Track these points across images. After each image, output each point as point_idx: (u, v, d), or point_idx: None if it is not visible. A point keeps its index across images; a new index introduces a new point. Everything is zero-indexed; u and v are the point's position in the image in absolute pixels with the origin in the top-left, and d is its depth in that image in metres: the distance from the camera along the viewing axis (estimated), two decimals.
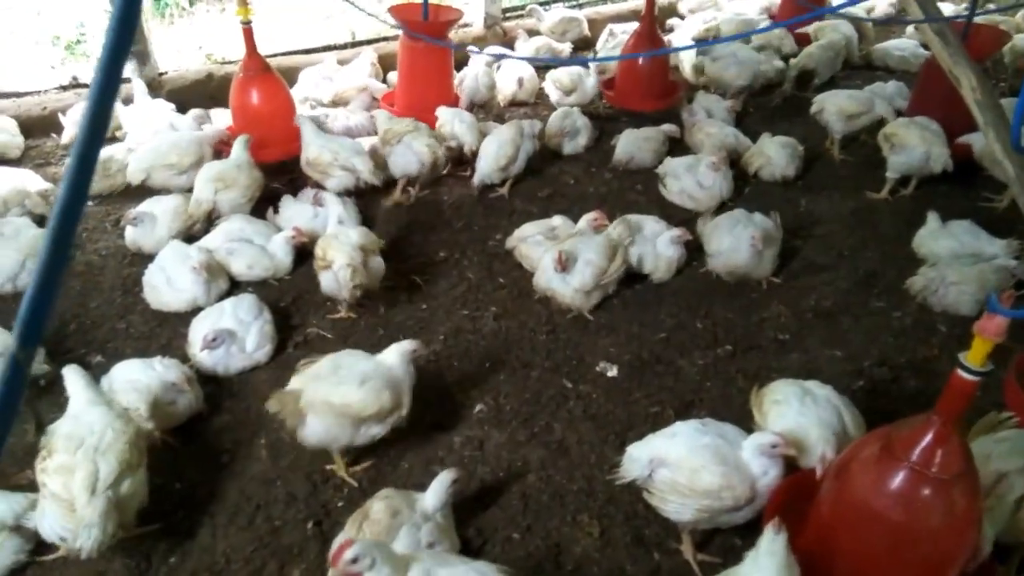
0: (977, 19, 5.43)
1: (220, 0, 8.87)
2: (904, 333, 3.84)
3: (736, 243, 4.06)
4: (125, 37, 0.82)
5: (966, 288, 3.83)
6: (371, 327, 3.83)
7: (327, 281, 3.77)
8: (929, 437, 2.10)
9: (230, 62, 6.57)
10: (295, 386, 2.92)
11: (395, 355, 2.99)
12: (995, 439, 2.69)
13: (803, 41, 7.10)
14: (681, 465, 2.59)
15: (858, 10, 8.11)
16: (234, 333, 3.43)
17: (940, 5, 6.00)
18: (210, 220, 4.40)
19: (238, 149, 4.58)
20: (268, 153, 4.88)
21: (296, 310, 3.95)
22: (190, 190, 4.50)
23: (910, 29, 7.64)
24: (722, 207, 4.71)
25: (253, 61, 5.10)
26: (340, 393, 2.83)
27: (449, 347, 3.72)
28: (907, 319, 3.93)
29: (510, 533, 2.81)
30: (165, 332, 3.78)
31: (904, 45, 7.32)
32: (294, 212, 4.47)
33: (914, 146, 4.82)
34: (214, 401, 3.35)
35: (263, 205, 4.57)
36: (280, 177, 4.93)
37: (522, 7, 8.55)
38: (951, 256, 4.06)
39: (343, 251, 3.67)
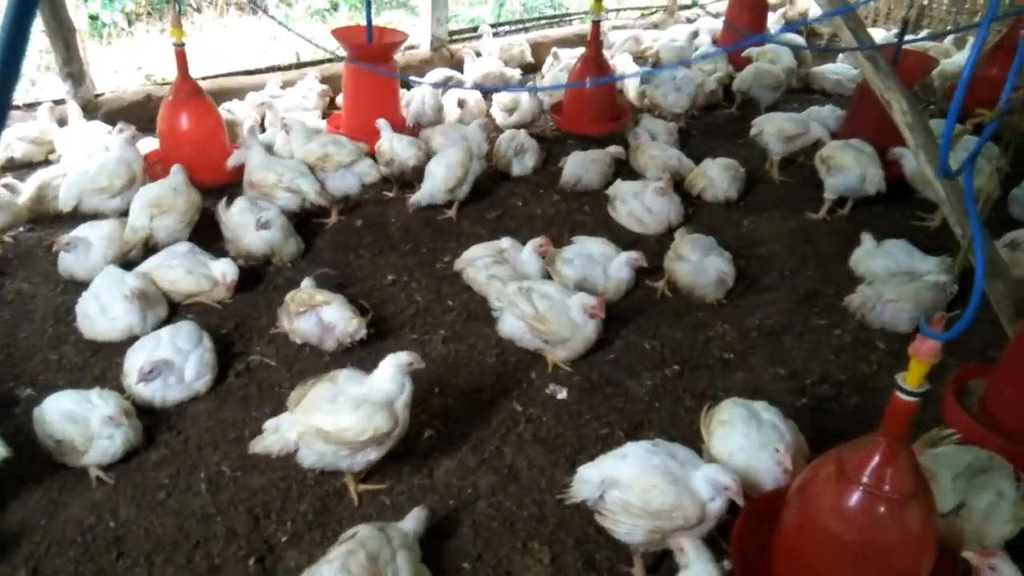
0: (906, 46, 5.65)
1: (160, 19, 8.69)
2: (844, 350, 3.93)
3: (705, 266, 4.14)
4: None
5: (902, 305, 3.94)
6: (317, 353, 3.75)
7: (309, 324, 3.68)
8: (878, 458, 2.15)
9: (169, 83, 6.42)
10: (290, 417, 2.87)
11: (390, 369, 2.89)
12: (931, 453, 2.77)
13: (742, 64, 7.29)
14: (632, 486, 2.59)
15: (795, 35, 8.38)
16: (172, 363, 3.31)
17: (871, 31, 6.25)
18: (147, 247, 4.26)
19: (175, 172, 4.46)
20: (197, 178, 4.78)
21: (239, 337, 3.85)
22: (126, 213, 4.37)
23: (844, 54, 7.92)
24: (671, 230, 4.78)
25: (185, 84, 5.00)
26: (333, 422, 2.76)
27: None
28: (847, 336, 4.03)
29: (460, 563, 2.76)
30: (99, 363, 3.64)
31: (839, 69, 7.58)
32: (240, 208, 4.32)
33: (850, 168, 4.97)
34: (150, 434, 3.22)
35: (201, 230, 4.45)
36: (216, 200, 4.81)
37: (470, 29, 8.60)
38: (887, 274, 4.18)
39: (339, 298, 3.67)
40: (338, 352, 3.74)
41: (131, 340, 3.57)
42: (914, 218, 5.17)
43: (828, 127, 5.70)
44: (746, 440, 2.82)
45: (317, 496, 2.99)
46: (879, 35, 8.03)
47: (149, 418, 3.28)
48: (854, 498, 2.18)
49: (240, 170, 4.76)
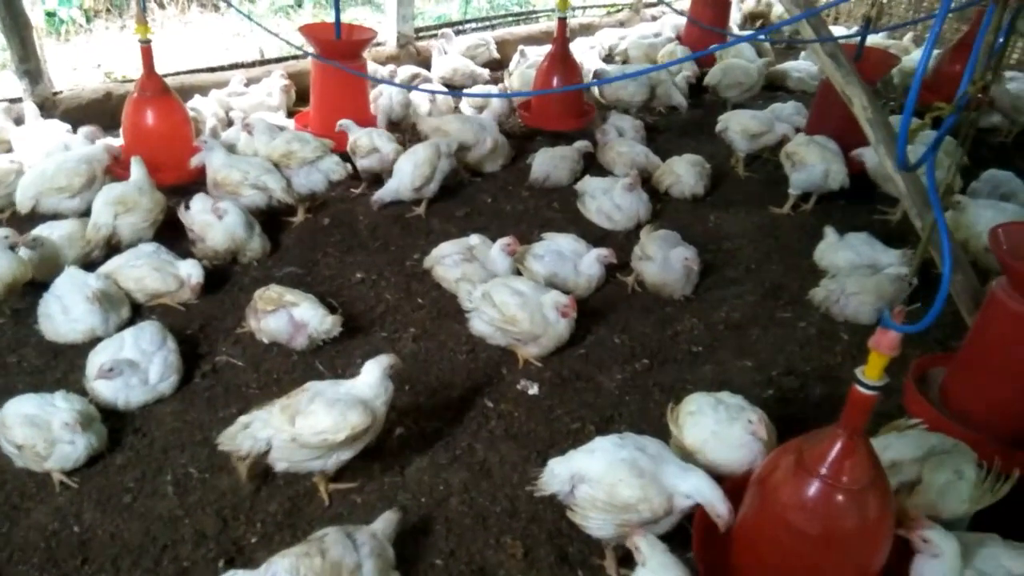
0: (868, 42, 5.76)
1: (120, 16, 8.52)
2: (809, 342, 4.00)
3: (670, 262, 4.18)
4: None
5: (865, 298, 4.02)
6: (284, 352, 3.70)
7: (279, 323, 3.63)
8: (837, 450, 2.19)
9: (130, 80, 6.30)
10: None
11: (374, 371, 2.89)
12: (898, 434, 2.82)
13: (708, 63, 7.36)
14: (600, 480, 2.61)
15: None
16: (136, 364, 3.25)
17: (833, 29, 6.36)
18: (109, 246, 4.18)
19: (137, 170, 4.38)
20: (163, 176, 4.70)
21: (204, 337, 3.79)
22: (85, 214, 4.28)
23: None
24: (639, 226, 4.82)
25: (151, 81, 4.92)
26: (309, 425, 2.73)
27: None
28: (811, 329, 4.10)
29: (433, 560, 2.75)
30: (61, 365, 3.56)
31: (802, 66, 7.70)
32: (200, 207, 4.28)
33: (814, 164, 5.05)
34: (115, 437, 3.16)
35: (166, 231, 4.37)
36: (183, 198, 4.73)
37: (436, 26, 8.57)
38: (850, 267, 4.27)
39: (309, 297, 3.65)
40: (307, 351, 3.70)
41: (94, 342, 3.49)
42: (876, 212, 5.27)
43: (793, 124, 5.79)
44: (716, 423, 2.87)
45: (287, 496, 2.96)
46: (841, 33, 8.16)
47: (113, 421, 3.21)
48: (813, 490, 2.22)
49: (204, 169, 4.69)
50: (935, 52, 7.50)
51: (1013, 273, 3.01)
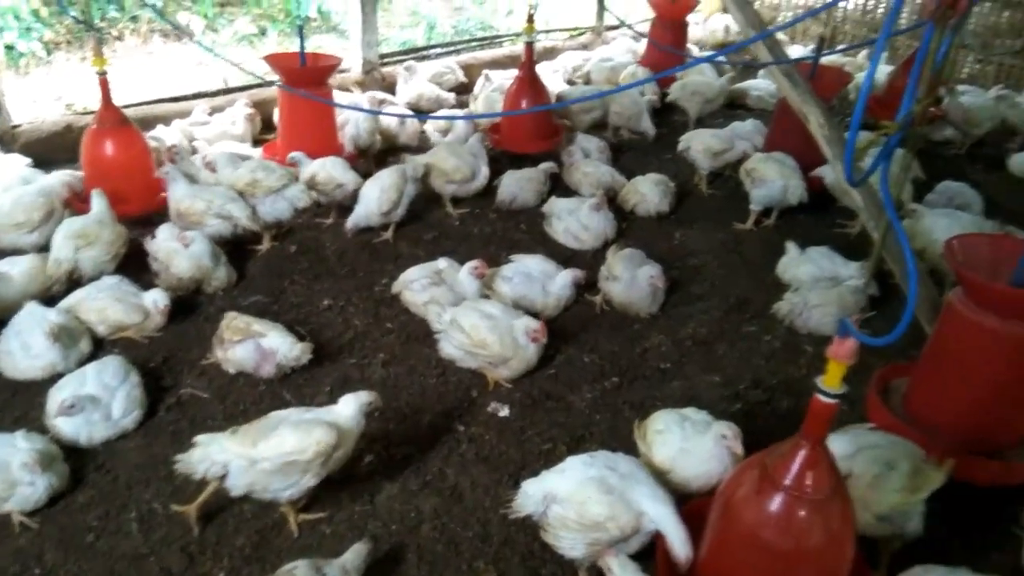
0: (823, 61, 5.90)
1: (80, 48, 8.46)
2: (775, 355, 4.05)
3: (637, 281, 4.22)
4: None
5: (827, 310, 4.09)
6: (250, 383, 3.66)
7: (246, 352, 3.59)
8: (800, 461, 2.20)
9: (91, 112, 6.24)
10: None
11: (351, 406, 2.89)
12: (835, 433, 2.86)
13: (668, 83, 7.49)
14: (571, 499, 2.61)
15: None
16: (98, 399, 3.20)
17: (788, 49, 6.52)
18: (71, 280, 4.11)
19: (98, 202, 4.33)
20: (125, 208, 4.65)
21: (168, 370, 3.74)
22: (45, 248, 4.22)
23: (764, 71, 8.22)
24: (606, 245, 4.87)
25: (109, 112, 4.89)
26: (275, 445, 2.71)
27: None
28: (776, 342, 4.15)
29: None
30: (20, 403, 3.48)
31: (761, 85, 7.87)
32: (166, 236, 4.25)
33: (773, 180, 5.15)
34: (78, 474, 3.09)
35: (128, 264, 4.32)
36: (145, 230, 4.69)
37: (401, 52, 8.62)
38: (812, 280, 4.34)
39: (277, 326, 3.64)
40: (274, 381, 3.66)
41: (54, 378, 3.43)
42: (835, 226, 5.38)
43: (752, 141, 5.90)
44: (684, 440, 2.88)
45: (254, 529, 2.92)
46: (796, 52, 8.37)
47: (76, 458, 3.15)
48: (777, 502, 2.22)
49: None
50: (890, 68, 7.73)
51: (968, 284, 3.09)
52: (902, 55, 8.22)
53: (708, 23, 10.06)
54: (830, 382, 2.10)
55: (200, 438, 2.81)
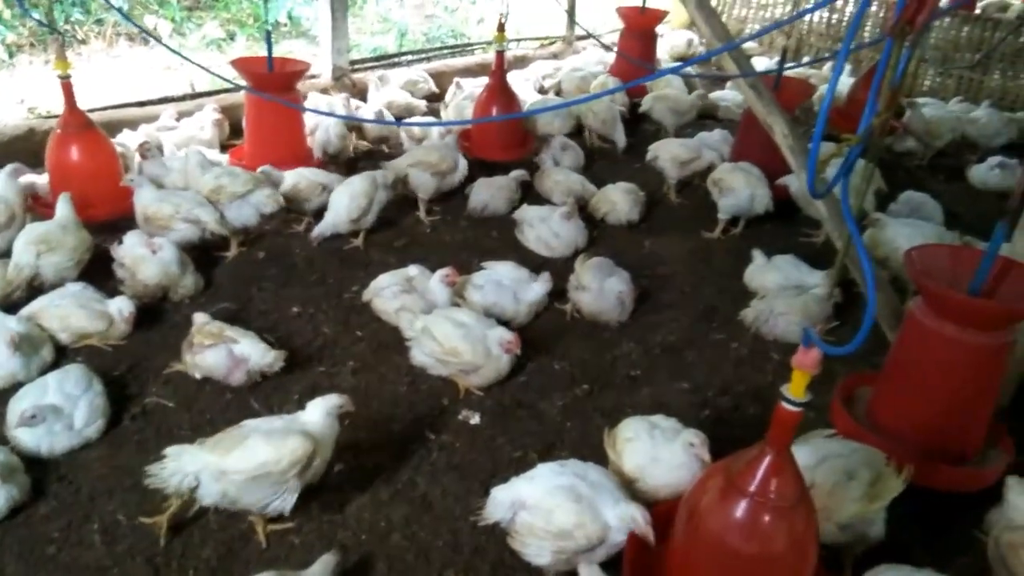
0: (787, 73, 6.02)
1: (44, 51, 8.30)
2: (742, 363, 4.11)
3: (605, 292, 4.25)
4: None
5: (793, 318, 4.16)
6: (217, 391, 3.62)
7: (217, 358, 3.54)
8: (764, 468, 2.23)
9: (55, 116, 6.13)
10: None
11: (318, 411, 2.86)
12: (799, 443, 2.89)
13: (638, 93, 7.58)
14: (538, 506, 2.62)
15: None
16: (60, 409, 3.13)
17: (753, 60, 6.64)
18: (32, 287, 4.03)
19: (63, 207, 4.25)
20: (92, 213, 4.57)
21: (132, 379, 3.67)
22: (5, 254, 4.12)
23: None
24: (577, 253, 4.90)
25: (73, 117, 4.80)
26: (248, 458, 2.68)
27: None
28: (744, 349, 4.21)
29: None
30: None
31: (728, 96, 7.99)
32: (134, 242, 4.19)
33: (740, 189, 5.24)
34: (38, 486, 3.02)
35: (92, 271, 4.24)
36: (111, 236, 4.62)
37: (372, 59, 8.60)
38: (778, 288, 4.41)
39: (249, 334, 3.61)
40: (242, 389, 3.62)
41: (14, 388, 3.35)
42: (800, 234, 5.48)
43: (719, 151, 5.99)
44: (654, 447, 2.91)
45: (221, 541, 2.88)
46: (762, 63, 8.52)
47: (37, 469, 3.08)
48: (742, 508, 2.25)
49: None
50: (852, 80, 7.90)
51: (928, 293, 3.17)
52: (866, 67, 8.40)
53: (671, 37, 10.16)
54: (795, 391, 2.14)
55: (170, 450, 2.76)
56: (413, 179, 5.36)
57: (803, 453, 2.79)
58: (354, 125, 6.42)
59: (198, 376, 3.62)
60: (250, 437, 2.74)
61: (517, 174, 5.70)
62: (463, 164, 5.57)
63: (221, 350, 3.55)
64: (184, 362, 3.66)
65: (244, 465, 2.67)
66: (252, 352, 3.56)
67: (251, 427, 2.82)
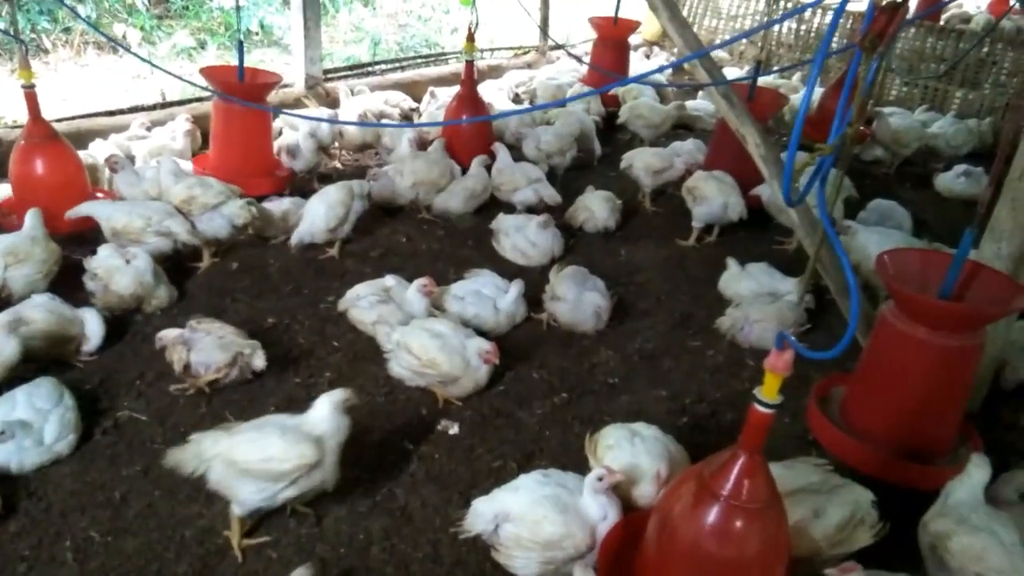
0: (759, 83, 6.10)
1: (10, 59, 8.16)
2: (718, 370, 4.15)
3: (582, 303, 4.28)
4: None
5: (767, 325, 4.21)
6: (192, 404, 3.57)
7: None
8: (737, 470, 2.24)
9: (19, 126, 6.02)
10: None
11: (325, 407, 2.84)
12: (784, 466, 2.90)
13: (612, 103, 7.64)
14: (524, 518, 2.62)
15: (658, 76, 8.86)
16: (29, 424, 3.06)
17: (725, 70, 6.72)
18: (0, 300, 3.95)
19: (31, 219, 4.17)
20: (57, 225, 4.49)
21: (104, 392, 3.61)
22: None
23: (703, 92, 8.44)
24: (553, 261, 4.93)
25: (38, 127, 4.73)
26: (259, 449, 2.71)
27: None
28: (720, 356, 4.25)
29: None
30: None
31: (700, 105, 8.08)
32: (107, 253, 4.13)
33: (713, 197, 5.30)
34: (8, 502, 2.95)
35: (62, 280, 4.16)
36: (81, 248, 4.53)
37: (346, 68, 8.57)
38: (752, 296, 4.47)
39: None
40: (214, 401, 3.57)
41: None
42: (773, 242, 5.56)
43: (694, 159, 6.05)
44: (633, 457, 2.91)
45: (197, 556, 2.83)
46: (732, 74, 8.63)
47: (6, 486, 3.01)
48: (715, 511, 2.25)
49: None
50: (818, 89, 8.04)
51: (899, 297, 3.23)
52: (832, 76, 8.56)
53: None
54: (767, 393, 2.16)
55: (195, 436, 2.84)
56: (421, 197, 5.47)
57: (784, 478, 2.80)
58: (336, 132, 6.39)
59: (178, 369, 3.57)
60: (264, 428, 2.78)
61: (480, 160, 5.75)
62: (458, 172, 5.66)
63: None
64: (172, 358, 3.59)
65: (252, 456, 2.69)
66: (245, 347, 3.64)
67: (266, 420, 2.89)
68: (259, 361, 3.65)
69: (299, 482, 2.76)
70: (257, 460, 2.69)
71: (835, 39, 9.56)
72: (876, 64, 2.74)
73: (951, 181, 6.71)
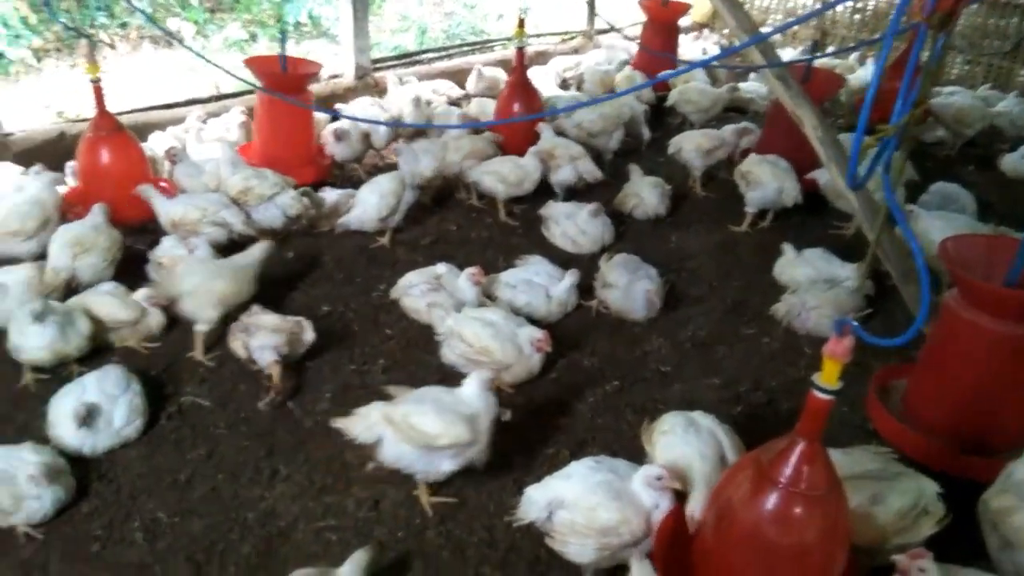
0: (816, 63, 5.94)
1: (70, 55, 8.41)
2: (774, 357, 4.08)
3: (633, 291, 4.25)
4: None
5: (824, 311, 4.12)
6: (251, 391, 3.65)
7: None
8: (796, 457, 2.21)
9: (83, 120, 6.21)
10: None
11: (474, 386, 2.97)
12: (842, 452, 2.83)
13: (661, 88, 7.52)
14: (578, 505, 2.62)
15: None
16: (100, 409, 3.18)
17: (780, 52, 6.56)
18: (69, 288, 4.09)
19: (95, 210, 4.32)
20: (121, 215, 4.63)
21: (168, 378, 3.72)
22: (42, 256, 4.20)
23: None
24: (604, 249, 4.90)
25: (103, 120, 4.87)
26: (420, 421, 2.86)
27: (336, 405, 3.59)
28: (775, 344, 4.18)
29: None
30: (22, 415, 3.46)
31: (752, 88, 7.91)
32: (171, 244, 4.32)
33: (767, 182, 5.19)
34: (81, 484, 3.08)
35: (125, 268, 4.30)
36: (141, 237, 4.67)
37: (394, 57, 8.62)
38: (809, 282, 4.37)
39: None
40: (274, 399, 3.65)
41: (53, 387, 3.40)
42: (830, 227, 5.42)
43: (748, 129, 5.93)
44: (686, 446, 2.88)
45: (260, 538, 2.91)
46: (786, 55, 8.42)
47: (79, 468, 3.13)
48: (774, 498, 2.22)
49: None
50: (871, 68, 7.80)
51: (963, 284, 3.12)
52: (889, 57, 8.29)
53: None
54: (826, 379, 2.12)
55: (361, 409, 3.01)
56: (487, 186, 5.42)
57: (841, 464, 2.75)
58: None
59: (242, 356, 3.68)
60: (424, 402, 2.94)
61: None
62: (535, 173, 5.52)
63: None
64: (234, 346, 3.71)
65: (415, 433, 2.85)
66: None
67: (423, 393, 3.05)
68: (309, 334, 3.75)
69: (456, 458, 2.92)
70: (418, 432, 2.86)
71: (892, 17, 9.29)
72: (941, 42, 2.65)
73: (1017, 162, 6.45)
